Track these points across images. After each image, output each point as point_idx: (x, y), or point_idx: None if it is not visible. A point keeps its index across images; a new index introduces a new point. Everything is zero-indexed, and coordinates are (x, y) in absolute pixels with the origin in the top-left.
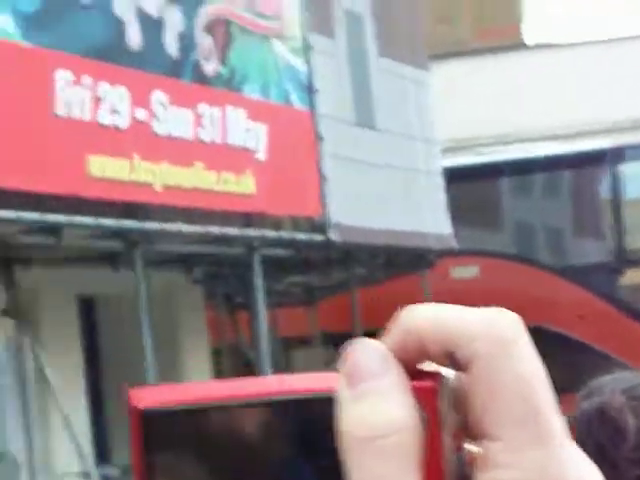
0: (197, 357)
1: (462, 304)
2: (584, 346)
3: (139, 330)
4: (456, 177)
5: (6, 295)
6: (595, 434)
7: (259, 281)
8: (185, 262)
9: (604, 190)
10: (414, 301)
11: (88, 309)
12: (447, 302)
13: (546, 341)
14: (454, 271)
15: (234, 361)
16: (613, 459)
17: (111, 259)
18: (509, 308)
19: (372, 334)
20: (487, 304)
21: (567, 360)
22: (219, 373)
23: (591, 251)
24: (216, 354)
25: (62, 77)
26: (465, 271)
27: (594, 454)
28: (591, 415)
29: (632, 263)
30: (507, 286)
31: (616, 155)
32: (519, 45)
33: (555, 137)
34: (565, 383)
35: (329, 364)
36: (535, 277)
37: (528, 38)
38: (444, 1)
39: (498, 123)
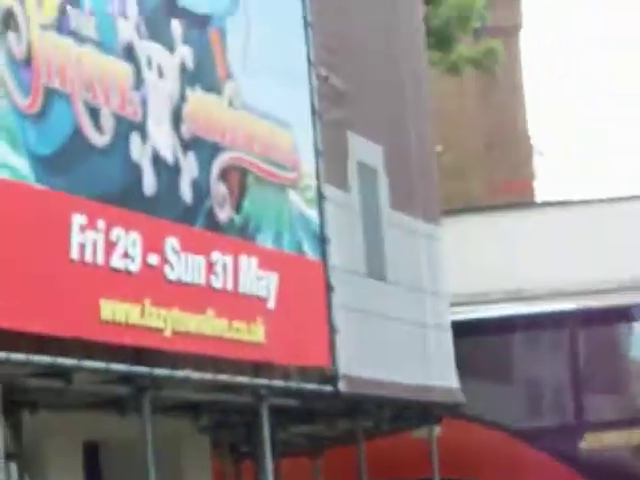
0: None
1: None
2: None
3: (145, 477)
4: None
5: (12, 439)
6: None
7: (266, 431)
8: (192, 409)
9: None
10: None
11: (93, 455)
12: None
13: None
14: (415, 431)
15: None
16: None
17: (119, 404)
18: (467, 468)
19: None
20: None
21: None
22: None
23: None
24: None
25: (77, 221)
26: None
27: None
28: None
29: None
30: (467, 447)
31: (624, 315)
32: (530, 202)
33: (565, 294)
34: None
35: None
36: (497, 440)
37: (539, 195)
38: (457, 158)
39: (508, 278)
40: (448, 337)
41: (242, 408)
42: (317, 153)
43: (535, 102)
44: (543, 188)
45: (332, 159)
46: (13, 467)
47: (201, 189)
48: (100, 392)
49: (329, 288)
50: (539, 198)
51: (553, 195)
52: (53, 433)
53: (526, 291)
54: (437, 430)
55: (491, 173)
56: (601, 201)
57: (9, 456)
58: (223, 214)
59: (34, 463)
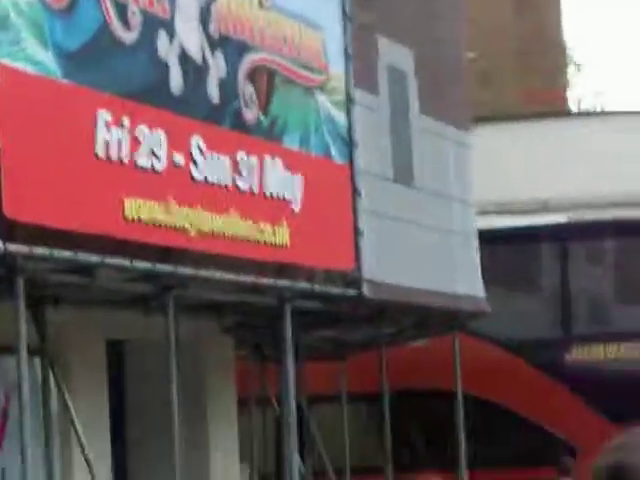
0: (224, 406)
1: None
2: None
3: (167, 376)
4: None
5: (36, 334)
6: None
7: (289, 333)
8: (216, 310)
9: None
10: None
11: (117, 352)
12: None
13: (492, 414)
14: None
15: (260, 414)
16: None
17: (142, 303)
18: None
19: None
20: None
21: (512, 435)
22: (245, 425)
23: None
24: (242, 405)
25: (103, 117)
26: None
27: None
28: (608, 472)
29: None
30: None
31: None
32: (563, 112)
33: (591, 206)
34: (513, 458)
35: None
36: (486, 350)
37: (573, 105)
38: (490, 66)
39: (536, 189)
40: (474, 245)
41: (266, 310)
42: (347, 56)
43: (575, 12)
44: (577, 99)
45: (362, 62)
46: (37, 362)
47: (228, 89)
48: (124, 290)
49: (355, 192)
50: (572, 108)
51: (587, 106)
52: (77, 330)
53: (553, 202)
54: (426, 341)
55: (524, 81)
56: (637, 113)
57: (33, 351)
58: (250, 115)
59: (58, 359)
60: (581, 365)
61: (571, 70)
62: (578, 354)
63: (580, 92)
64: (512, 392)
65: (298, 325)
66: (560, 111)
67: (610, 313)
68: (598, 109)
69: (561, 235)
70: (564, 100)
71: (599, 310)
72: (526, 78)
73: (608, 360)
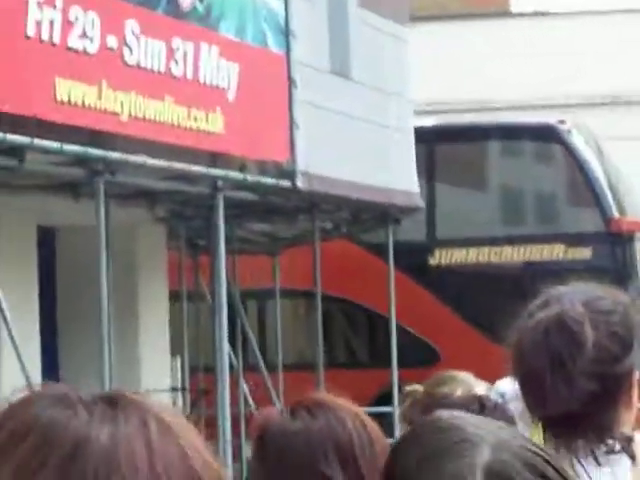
0: (155, 296)
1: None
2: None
3: (98, 263)
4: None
5: None
6: (552, 344)
7: (221, 223)
8: (149, 198)
9: None
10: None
11: (48, 238)
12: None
13: (353, 314)
14: None
15: (193, 305)
16: (569, 371)
17: (73, 188)
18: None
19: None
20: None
21: (374, 336)
22: (176, 316)
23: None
24: (173, 297)
25: None
26: None
27: (548, 364)
28: (549, 324)
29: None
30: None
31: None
32: (505, 12)
33: (534, 107)
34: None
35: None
36: (351, 252)
37: (514, 6)
38: None
39: (477, 89)
40: (410, 141)
41: (199, 200)
42: None
43: None
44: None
45: None
46: None
47: None
48: (54, 174)
49: (291, 83)
50: (515, 9)
51: (529, 6)
52: (8, 215)
53: (494, 102)
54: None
55: None
56: (577, 13)
57: None
58: (186, 1)
59: None
60: (444, 269)
61: None
62: (441, 258)
63: None
64: (377, 295)
65: (231, 217)
66: (503, 11)
67: (474, 218)
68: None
69: (428, 138)
70: (506, 2)
71: (464, 215)
72: None
73: (470, 264)
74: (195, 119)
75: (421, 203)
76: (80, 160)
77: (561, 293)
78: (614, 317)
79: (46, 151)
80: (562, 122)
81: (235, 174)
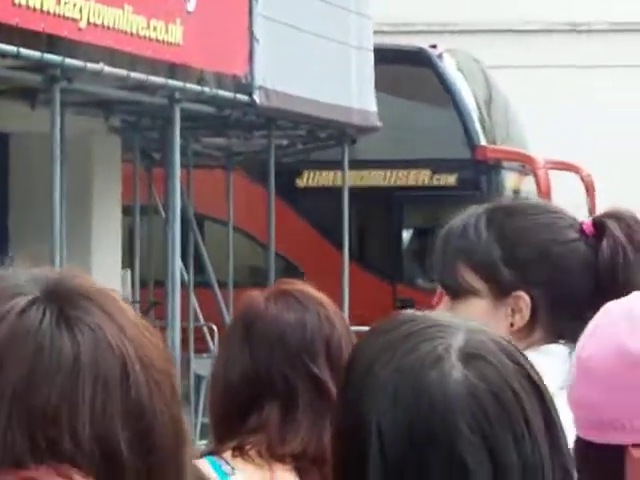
0: (108, 207)
1: None
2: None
3: (51, 170)
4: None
5: None
6: None
7: (177, 134)
8: (104, 108)
9: None
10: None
11: (2, 145)
12: None
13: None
14: None
15: (145, 218)
16: None
17: (29, 95)
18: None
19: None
20: None
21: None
22: (129, 229)
23: None
24: (126, 211)
25: None
26: None
27: None
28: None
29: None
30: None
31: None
32: None
33: (488, 31)
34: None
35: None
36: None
37: None
38: None
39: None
40: (370, 60)
41: (155, 111)
42: None
43: None
44: None
45: None
46: None
47: None
48: (11, 79)
49: None
50: None
51: None
52: None
53: (451, 25)
54: None
55: None
56: None
57: None
58: None
59: None
60: (311, 190)
61: None
62: (309, 180)
63: None
64: (252, 217)
65: (187, 129)
66: None
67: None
68: None
69: None
70: None
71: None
72: None
73: (335, 187)
74: (154, 29)
75: (378, 123)
76: (38, 66)
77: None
78: None
79: (3, 55)
80: (433, 46)
81: (193, 86)
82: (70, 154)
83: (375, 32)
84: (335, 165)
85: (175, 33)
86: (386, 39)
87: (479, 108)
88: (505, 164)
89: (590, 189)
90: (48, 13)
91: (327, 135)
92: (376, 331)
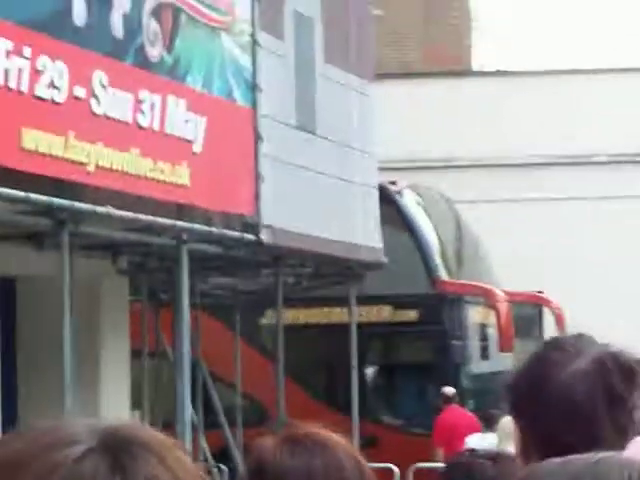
0: (116, 350)
1: None
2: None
3: (60, 314)
4: None
5: None
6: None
7: (185, 276)
8: (112, 250)
9: None
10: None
11: (9, 289)
12: None
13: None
14: None
15: (155, 362)
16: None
17: (37, 238)
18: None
19: None
20: None
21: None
22: (138, 373)
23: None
24: (136, 354)
25: (3, 46)
26: None
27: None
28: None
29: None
30: None
31: None
32: (466, 71)
33: (493, 165)
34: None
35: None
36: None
37: (475, 64)
38: (396, 24)
39: (440, 146)
40: (375, 197)
41: (163, 252)
42: None
43: None
44: (481, 59)
45: (268, 5)
46: None
47: (132, 24)
48: (18, 224)
49: (258, 137)
50: (475, 68)
51: (490, 66)
52: None
53: (456, 159)
54: None
55: (429, 43)
56: (536, 73)
57: None
58: (154, 52)
59: None
60: (272, 329)
61: (475, 34)
62: (271, 318)
63: (482, 54)
64: (216, 357)
65: (194, 270)
66: (464, 70)
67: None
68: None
69: None
70: (468, 61)
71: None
72: (430, 39)
73: (299, 325)
74: (161, 171)
75: (384, 259)
76: (45, 210)
77: None
78: None
79: (11, 200)
80: (392, 183)
81: (200, 227)
82: (77, 296)
83: (380, 169)
84: (299, 303)
85: (182, 174)
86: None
87: (441, 243)
88: (469, 298)
89: (560, 321)
90: (56, 158)
91: (333, 272)
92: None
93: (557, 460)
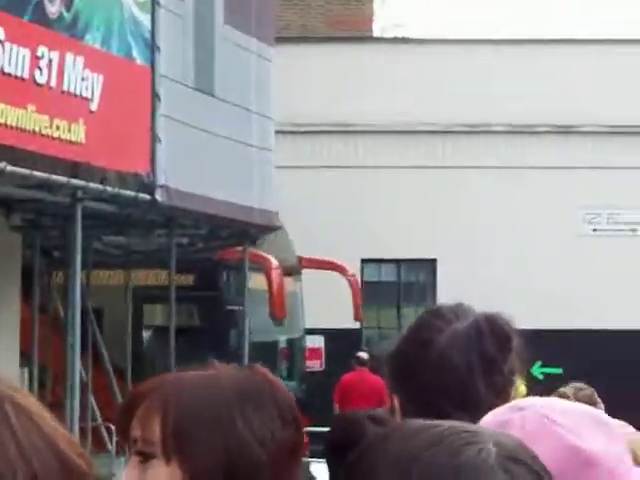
0: (8, 307)
1: None
2: None
3: None
4: None
5: None
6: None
7: (79, 234)
8: (5, 206)
9: None
10: None
11: None
12: None
13: None
14: None
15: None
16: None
17: None
18: None
19: None
20: None
21: None
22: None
23: None
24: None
25: None
26: None
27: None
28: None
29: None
30: None
31: None
32: (367, 37)
33: (397, 132)
34: None
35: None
36: None
37: (376, 30)
38: None
39: (338, 112)
40: (271, 160)
41: (56, 210)
42: None
43: None
44: (380, 29)
45: None
46: None
47: None
48: None
49: (155, 97)
50: (376, 34)
51: (394, 32)
52: None
53: (356, 126)
54: None
55: (331, 7)
56: (438, 41)
57: None
58: (53, 8)
59: None
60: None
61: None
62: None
63: (383, 23)
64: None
65: (89, 230)
66: (365, 36)
67: None
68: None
69: None
70: (370, 28)
71: None
72: (332, 3)
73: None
74: (57, 128)
75: (279, 223)
76: None
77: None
78: None
79: None
80: None
81: (95, 185)
82: None
83: (276, 132)
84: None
85: (78, 132)
86: (288, 139)
87: None
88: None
89: (355, 289)
90: None
91: (228, 234)
92: (392, 437)
93: (421, 423)
